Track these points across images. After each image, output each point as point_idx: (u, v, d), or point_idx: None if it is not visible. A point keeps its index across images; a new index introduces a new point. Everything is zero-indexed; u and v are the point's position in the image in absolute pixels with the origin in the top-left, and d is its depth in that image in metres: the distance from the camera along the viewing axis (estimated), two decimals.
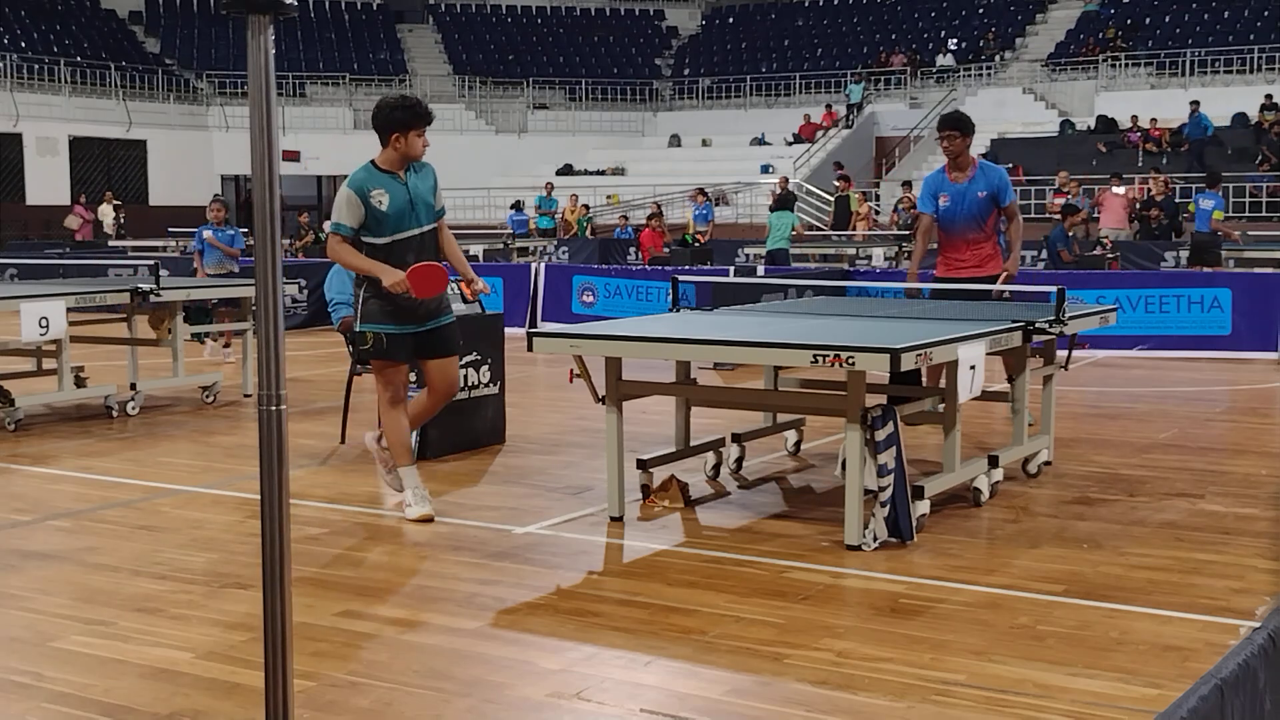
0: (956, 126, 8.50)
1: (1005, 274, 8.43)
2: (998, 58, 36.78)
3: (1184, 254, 18.87)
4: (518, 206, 29.49)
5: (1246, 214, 26.87)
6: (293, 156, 34.60)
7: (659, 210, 24.75)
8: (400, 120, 6.16)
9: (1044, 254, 16.83)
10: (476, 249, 22.26)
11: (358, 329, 6.34)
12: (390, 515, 6.55)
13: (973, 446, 7.59)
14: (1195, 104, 30.47)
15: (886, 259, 21.01)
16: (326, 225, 6.56)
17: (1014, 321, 6.60)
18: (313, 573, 5.40)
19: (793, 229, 20.16)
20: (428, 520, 6.30)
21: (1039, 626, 4.68)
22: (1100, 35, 35.29)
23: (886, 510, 5.76)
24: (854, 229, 24.50)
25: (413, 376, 6.73)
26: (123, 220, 30.35)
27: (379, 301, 6.22)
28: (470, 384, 8.11)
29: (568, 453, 8.07)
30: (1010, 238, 8.60)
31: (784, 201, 20.80)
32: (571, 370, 6.48)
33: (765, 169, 33.20)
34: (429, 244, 6.33)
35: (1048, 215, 23.12)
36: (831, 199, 26.90)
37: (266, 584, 2.72)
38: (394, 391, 6.37)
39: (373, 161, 6.29)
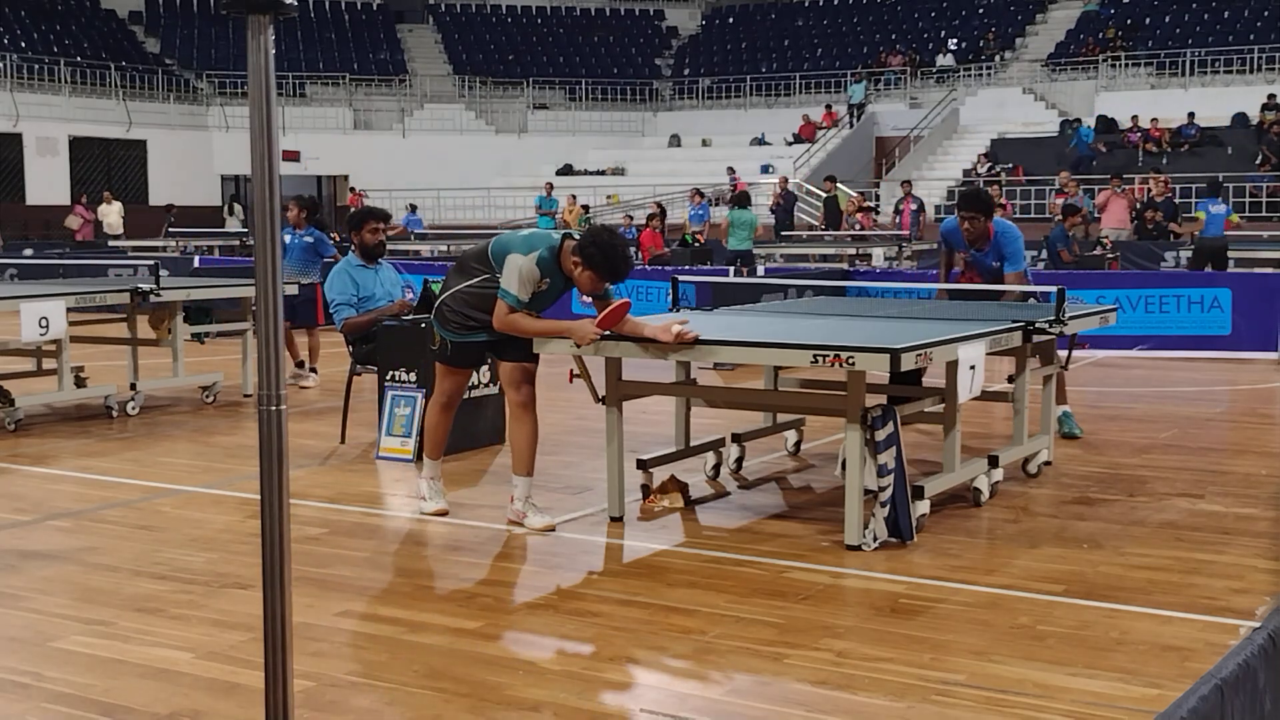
0: (979, 209, 8.14)
1: None
2: (997, 58, 36.75)
3: (1184, 254, 18.80)
4: (413, 208, 29.69)
5: (1246, 214, 26.88)
6: (293, 156, 34.58)
7: (659, 210, 24.74)
8: (591, 257, 5.89)
9: (1044, 254, 16.81)
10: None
11: (435, 328, 6.36)
12: (390, 515, 6.56)
13: (973, 440, 7.59)
14: (1075, 120, 30.89)
15: (887, 259, 21.02)
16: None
17: (1014, 321, 6.60)
18: (313, 573, 5.40)
19: (754, 228, 19.88)
20: (442, 514, 6.36)
21: (1039, 626, 4.68)
22: (1100, 35, 35.27)
23: (886, 510, 5.76)
24: (847, 227, 24.65)
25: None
26: (173, 219, 29.99)
27: (456, 313, 6.22)
28: (470, 384, 8.10)
29: (568, 453, 8.07)
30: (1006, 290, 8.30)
31: (743, 199, 20.41)
32: (571, 370, 6.49)
33: (765, 169, 33.19)
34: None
35: (1048, 215, 23.12)
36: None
37: (266, 584, 2.72)
38: (448, 397, 6.45)
39: (563, 244, 6.02)
